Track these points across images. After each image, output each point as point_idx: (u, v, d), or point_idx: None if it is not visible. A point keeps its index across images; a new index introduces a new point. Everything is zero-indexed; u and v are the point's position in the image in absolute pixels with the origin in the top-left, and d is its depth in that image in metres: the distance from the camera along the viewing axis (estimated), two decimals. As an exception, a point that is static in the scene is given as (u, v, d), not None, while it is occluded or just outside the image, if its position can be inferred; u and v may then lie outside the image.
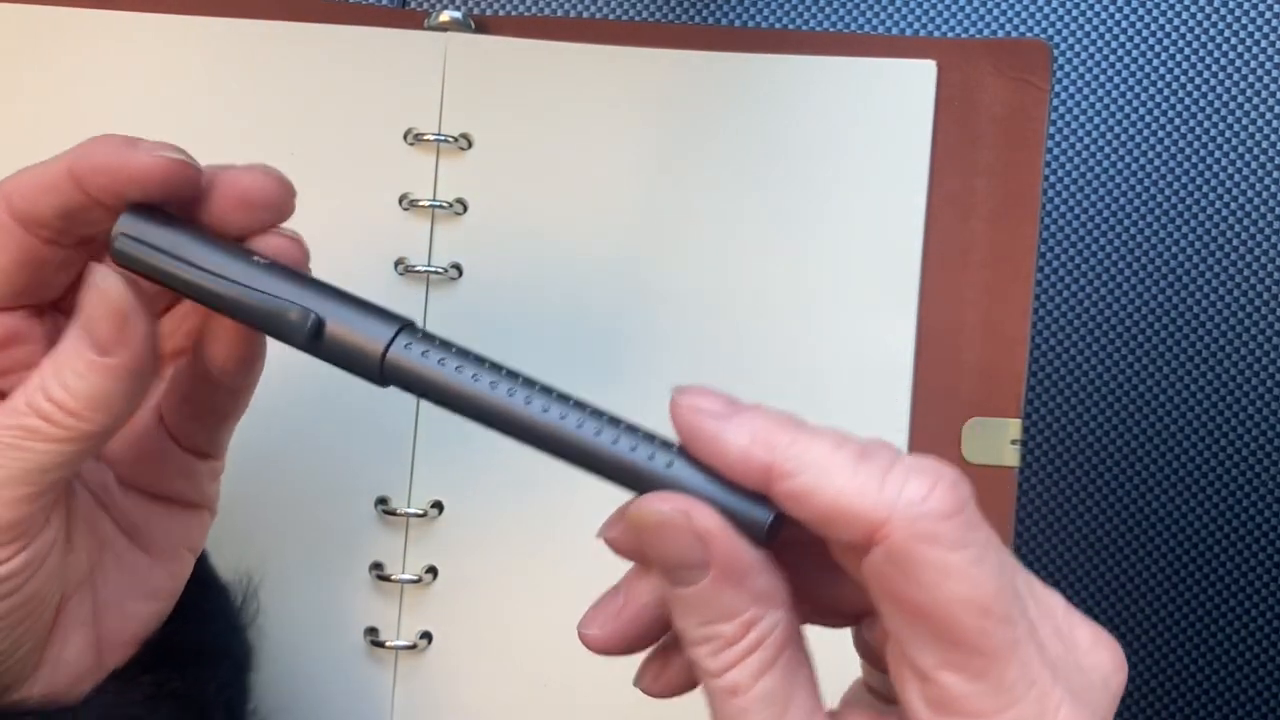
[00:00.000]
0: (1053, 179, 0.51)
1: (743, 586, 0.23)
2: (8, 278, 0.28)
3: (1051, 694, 0.22)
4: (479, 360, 0.26)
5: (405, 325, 0.27)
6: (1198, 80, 0.51)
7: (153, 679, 0.31)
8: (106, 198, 0.28)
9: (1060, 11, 0.51)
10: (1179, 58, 0.51)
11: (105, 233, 0.29)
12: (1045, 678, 0.22)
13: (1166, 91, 0.51)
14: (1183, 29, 0.51)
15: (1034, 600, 0.23)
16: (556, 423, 0.25)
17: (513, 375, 0.26)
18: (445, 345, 0.27)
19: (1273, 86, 0.51)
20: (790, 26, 0.51)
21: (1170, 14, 0.51)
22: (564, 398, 0.26)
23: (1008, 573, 0.22)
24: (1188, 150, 0.51)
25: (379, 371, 0.27)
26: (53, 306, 0.30)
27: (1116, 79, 0.51)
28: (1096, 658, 0.23)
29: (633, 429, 0.25)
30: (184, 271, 0.28)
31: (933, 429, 0.41)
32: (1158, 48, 0.51)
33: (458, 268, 0.42)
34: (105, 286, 0.27)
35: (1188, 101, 0.51)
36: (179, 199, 0.28)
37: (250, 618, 0.36)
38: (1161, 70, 0.51)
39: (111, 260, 0.28)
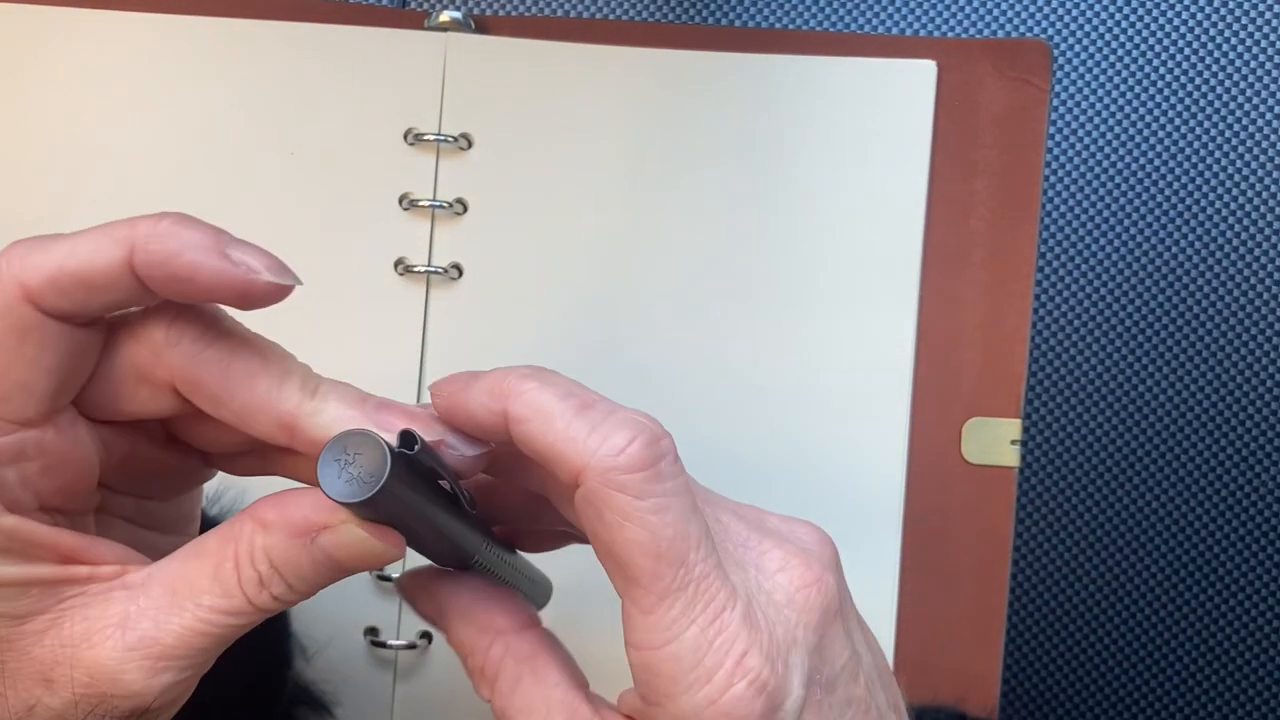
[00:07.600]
0: (1053, 179, 0.51)
1: None
2: (47, 387, 0.24)
3: (721, 634, 0.24)
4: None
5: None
6: (1198, 80, 0.51)
7: None
8: (176, 297, 0.24)
9: (1060, 11, 0.51)
10: (1179, 58, 0.51)
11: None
12: (707, 616, 0.24)
13: (1166, 91, 0.51)
14: (1183, 29, 0.51)
15: (729, 538, 0.26)
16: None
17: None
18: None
19: (1272, 86, 0.51)
20: (790, 26, 0.51)
21: (1170, 14, 0.51)
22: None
23: (693, 521, 0.24)
24: (1188, 150, 0.51)
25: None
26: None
27: (1116, 79, 0.51)
28: (775, 581, 0.25)
29: None
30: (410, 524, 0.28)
31: (933, 429, 0.41)
32: (1158, 48, 0.51)
33: (458, 268, 0.42)
34: (360, 535, 0.27)
35: (1188, 101, 0.51)
36: None
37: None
38: (1161, 70, 0.51)
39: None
